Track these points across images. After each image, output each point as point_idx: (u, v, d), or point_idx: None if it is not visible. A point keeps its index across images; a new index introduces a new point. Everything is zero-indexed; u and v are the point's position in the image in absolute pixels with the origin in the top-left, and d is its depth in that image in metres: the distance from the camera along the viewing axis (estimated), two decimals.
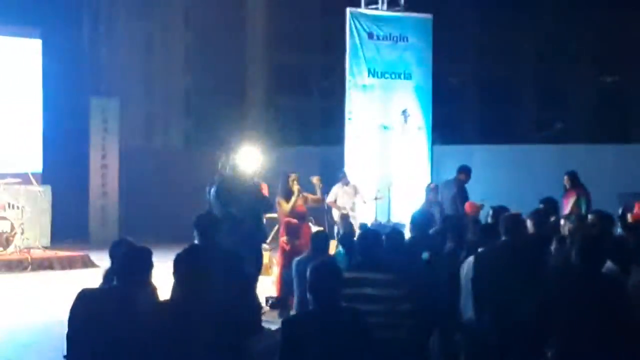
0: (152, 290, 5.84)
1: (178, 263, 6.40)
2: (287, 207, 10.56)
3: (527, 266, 6.42)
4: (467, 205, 11.85)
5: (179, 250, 5.49)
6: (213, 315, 4.66)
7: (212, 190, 9.87)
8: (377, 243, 6.68)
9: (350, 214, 12.94)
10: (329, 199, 13.24)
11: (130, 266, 5.09)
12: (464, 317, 6.80)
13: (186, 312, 4.77)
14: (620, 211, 10.61)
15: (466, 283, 6.79)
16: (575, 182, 12.09)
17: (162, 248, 13.49)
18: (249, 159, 10.58)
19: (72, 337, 4.96)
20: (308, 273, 4.91)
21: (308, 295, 4.88)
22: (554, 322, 5.63)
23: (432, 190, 12.99)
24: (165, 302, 5.52)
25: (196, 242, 6.94)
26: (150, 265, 5.26)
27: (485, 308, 6.50)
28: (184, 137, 19.60)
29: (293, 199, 10.60)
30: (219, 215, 9.14)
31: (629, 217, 9.61)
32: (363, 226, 11.87)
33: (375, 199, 13.93)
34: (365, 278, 6.22)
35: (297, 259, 8.58)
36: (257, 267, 9.55)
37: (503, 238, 6.78)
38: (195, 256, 6.50)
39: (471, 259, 6.83)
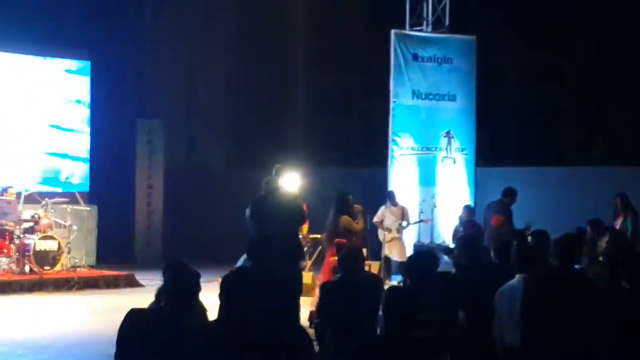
0: (202, 312, 5.87)
1: (226, 285, 6.42)
2: (358, 226, 10.76)
3: (579, 291, 6.33)
4: (493, 219, 11.85)
5: (221, 271, 5.51)
6: (259, 338, 4.67)
7: (247, 209, 9.91)
8: (431, 266, 6.62)
9: (396, 235, 12.95)
10: (376, 219, 13.26)
11: (178, 289, 5.12)
12: (502, 340, 6.68)
13: (232, 336, 4.77)
14: None
15: (509, 306, 6.63)
16: (626, 204, 12.05)
17: (204, 268, 13.63)
18: (290, 179, 10.66)
19: (120, 354, 5.00)
20: (384, 297, 4.78)
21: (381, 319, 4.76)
22: (603, 346, 5.61)
23: (466, 209, 12.94)
24: (212, 324, 5.56)
25: (244, 264, 6.97)
26: (197, 288, 5.28)
27: (536, 334, 6.41)
28: (225, 158, 19.71)
29: (360, 218, 10.99)
30: (253, 234, 9.19)
31: None
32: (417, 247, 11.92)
33: (420, 221, 13.93)
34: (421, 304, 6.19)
35: (324, 282, 8.44)
36: (297, 289, 9.44)
37: (556, 263, 6.65)
38: (244, 279, 6.53)
39: (515, 282, 6.70)
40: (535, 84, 20.81)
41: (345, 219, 10.76)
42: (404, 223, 13.51)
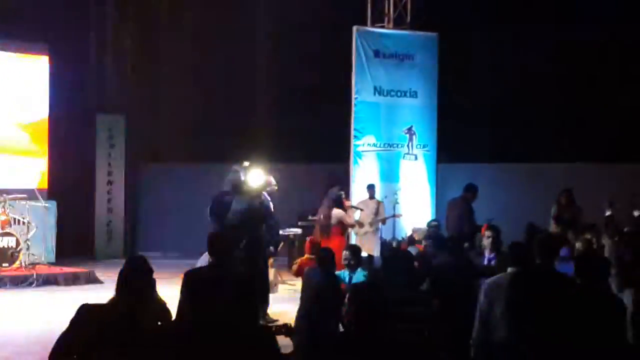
0: (160, 307, 5.81)
1: (188, 280, 6.38)
2: (350, 220, 11.67)
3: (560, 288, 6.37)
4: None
5: (184, 267, 5.47)
6: (217, 335, 4.63)
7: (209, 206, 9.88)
8: (410, 264, 6.87)
9: (369, 229, 12.98)
10: (353, 203, 13.27)
11: (131, 284, 5.07)
12: (492, 334, 6.72)
13: (191, 334, 4.72)
14: None
15: (490, 303, 6.68)
16: (571, 200, 12.24)
17: (167, 264, 13.57)
18: (255, 176, 10.64)
19: (63, 340, 4.90)
20: (349, 295, 4.77)
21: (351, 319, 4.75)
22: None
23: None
24: (171, 322, 5.50)
25: (207, 260, 6.93)
26: (149, 281, 5.23)
27: (524, 328, 6.43)
28: (189, 154, 19.57)
29: (349, 213, 11.76)
30: (213, 230, 9.17)
31: None
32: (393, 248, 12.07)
33: (393, 216, 13.97)
34: (404, 296, 6.29)
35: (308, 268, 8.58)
36: (258, 285, 9.41)
37: (538, 261, 6.69)
38: (205, 275, 6.48)
39: (502, 279, 6.73)
40: (498, 80, 20.91)
41: (339, 212, 11.53)
42: (380, 217, 13.50)
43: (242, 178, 10.32)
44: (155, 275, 5.31)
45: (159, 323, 5.51)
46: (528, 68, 19.20)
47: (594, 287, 5.82)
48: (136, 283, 5.04)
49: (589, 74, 19.79)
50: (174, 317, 5.80)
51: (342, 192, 12.10)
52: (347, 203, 12.03)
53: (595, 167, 16.17)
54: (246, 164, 10.44)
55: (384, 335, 4.63)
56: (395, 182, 14.71)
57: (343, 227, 11.91)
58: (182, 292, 6.55)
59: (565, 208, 12.67)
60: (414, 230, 13.39)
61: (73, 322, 4.90)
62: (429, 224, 12.58)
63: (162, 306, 5.81)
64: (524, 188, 16.15)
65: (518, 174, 16.80)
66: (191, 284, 6.36)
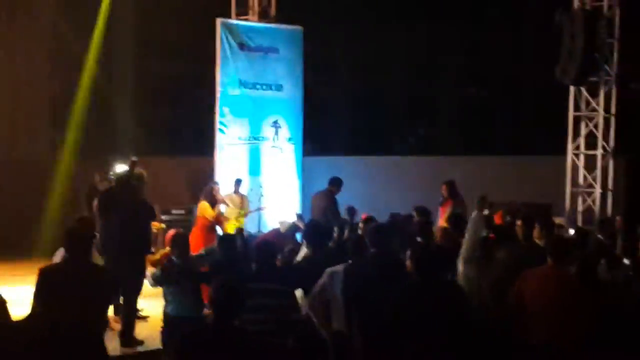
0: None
1: (40, 276, 6.19)
2: (212, 212, 11.79)
3: (390, 277, 6.53)
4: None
5: (38, 263, 5.31)
6: (67, 332, 4.51)
7: (95, 201, 9.70)
8: (273, 254, 6.95)
9: (235, 223, 12.94)
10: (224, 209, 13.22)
11: None
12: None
13: (42, 330, 4.59)
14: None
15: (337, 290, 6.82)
16: (453, 192, 12.34)
17: (24, 261, 13.11)
18: (121, 169, 10.47)
19: None
20: (213, 289, 4.82)
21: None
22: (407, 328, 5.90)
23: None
24: (24, 319, 5.33)
25: (62, 256, 6.76)
26: None
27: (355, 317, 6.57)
28: (51, 148, 18.97)
29: (217, 207, 11.93)
30: (100, 226, 9.03)
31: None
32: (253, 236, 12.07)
33: (259, 209, 13.95)
34: (262, 289, 6.30)
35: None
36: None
37: (371, 250, 6.85)
38: (60, 272, 6.31)
39: (339, 270, 6.86)
40: (364, 74, 21.25)
41: (200, 204, 11.94)
42: (245, 209, 13.47)
43: (129, 175, 10.11)
44: None
45: None
46: (389, 62, 19.61)
47: (429, 277, 6.04)
48: None
49: (445, 66, 20.42)
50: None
51: (214, 186, 12.14)
52: (219, 197, 12.10)
53: (447, 160, 16.68)
54: (133, 159, 10.20)
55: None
56: (261, 176, 14.71)
57: (210, 220, 11.89)
58: (35, 287, 6.39)
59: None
60: (281, 223, 13.41)
61: None
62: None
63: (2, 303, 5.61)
64: (382, 180, 16.46)
65: (377, 167, 17.11)
66: (43, 280, 6.21)
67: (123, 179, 9.76)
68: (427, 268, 6.15)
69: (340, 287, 6.77)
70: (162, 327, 7.94)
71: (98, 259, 8.99)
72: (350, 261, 6.99)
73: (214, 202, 11.96)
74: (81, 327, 4.68)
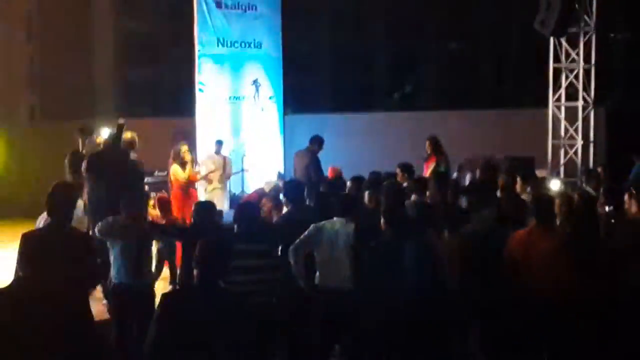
0: None
1: (23, 241, 6.14)
2: (184, 174, 11.52)
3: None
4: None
5: (20, 228, 5.26)
6: (47, 298, 4.48)
7: (83, 164, 9.56)
8: (254, 215, 6.94)
9: (218, 185, 12.87)
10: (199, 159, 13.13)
11: None
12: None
13: (27, 297, 4.57)
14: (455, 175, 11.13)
15: (330, 248, 6.91)
16: (437, 147, 12.26)
17: (9, 226, 13.04)
18: (103, 132, 10.38)
19: None
20: (199, 248, 4.78)
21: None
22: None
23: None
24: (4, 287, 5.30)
25: (46, 220, 6.70)
26: None
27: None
28: (30, 112, 18.81)
29: (188, 167, 11.60)
30: (90, 190, 8.95)
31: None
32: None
33: (242, 170, 13.86)
34: (244, 250, 6.27)
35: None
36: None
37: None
38: (42, 237, 6.24)
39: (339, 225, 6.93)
40: (345, 31, 21.08)
41: (172, 167, 11.66)
42: (229, 171, 13.37)
43: (117, 137, 9.97)
44: None
45: None
46: (371, 18, 19.47)
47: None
48: None
49: (427, 21, 20.30)
50: None
51: (180, 147, 11.82)
52: (187, 157, 11.78)
53: (430, 115, 16.67)
54: (120, 122, 10.04)
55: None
56: (242, 136, 14.61)
57: (183, 182, 11.67)
58: (18, 253, 6.36)
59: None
60: (267, 183, 13.35)
61: None
62: (279, 176, 12.65)
63: None
64: (365, 137, 16.42)
65: (360, 124, 17.06)
66: (24, 245, 6.17)
67: (111, 141, 9.64)
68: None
69: (344, 240, 6.84)
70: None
71: (86, 222, 8.95)
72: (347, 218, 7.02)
73: (184, 163, 11.73)
74: (65, 291, 4.67)
